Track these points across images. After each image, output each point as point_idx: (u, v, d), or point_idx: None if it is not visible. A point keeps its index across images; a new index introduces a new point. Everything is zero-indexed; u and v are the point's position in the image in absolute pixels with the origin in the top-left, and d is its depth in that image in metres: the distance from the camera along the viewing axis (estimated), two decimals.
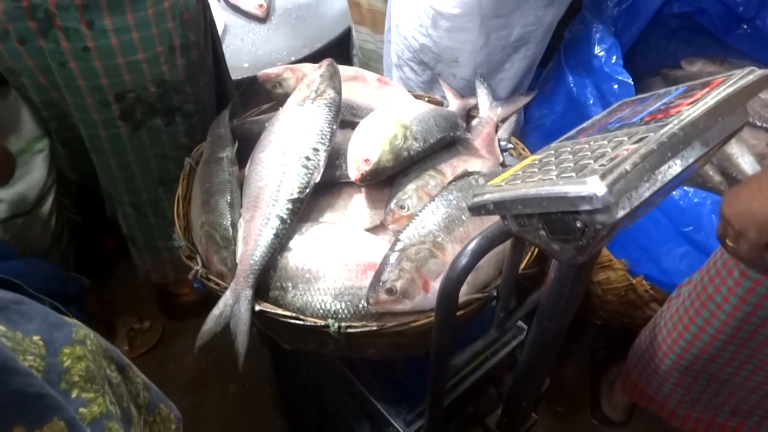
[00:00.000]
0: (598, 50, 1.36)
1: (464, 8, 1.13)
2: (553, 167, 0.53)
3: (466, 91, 1.23)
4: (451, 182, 0.88)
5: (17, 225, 1.19)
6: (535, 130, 1.47)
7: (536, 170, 0.55)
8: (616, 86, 1.29)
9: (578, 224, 0.49)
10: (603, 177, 0.45)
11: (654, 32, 1.71)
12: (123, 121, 1.08)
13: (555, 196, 0.48)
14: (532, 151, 1.16)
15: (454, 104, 1.14)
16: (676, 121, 0.50)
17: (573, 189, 0.46)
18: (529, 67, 1.30)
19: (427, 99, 1.17)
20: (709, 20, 1.70)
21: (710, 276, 0.97)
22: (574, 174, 0.48)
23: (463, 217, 0.83)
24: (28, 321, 0.58)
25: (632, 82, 1.27)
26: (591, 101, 1.34)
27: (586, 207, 0.46)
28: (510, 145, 1.09)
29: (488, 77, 1.23)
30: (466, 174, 0.90)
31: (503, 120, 1.14)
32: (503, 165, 1.05)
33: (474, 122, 1.12)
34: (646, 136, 0.49)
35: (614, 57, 1.33)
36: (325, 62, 0.99)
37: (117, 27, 0.98)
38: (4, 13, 0.94)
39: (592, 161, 0.49)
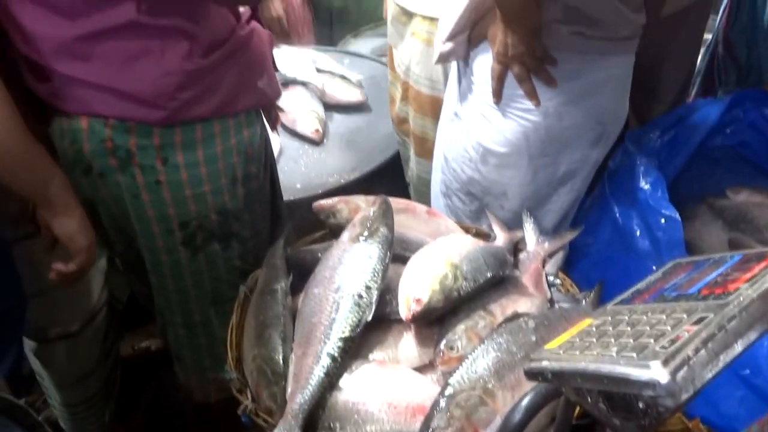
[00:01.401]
0: (642, 183, 1.38)
1: (512, 148, 1.18)
2: (612, 339, 0.54)
3: (514, 222, 1.26)
4: (500, 324, 0.89)
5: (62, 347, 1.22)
6: (580, 259, 1.47)
7: (594, 340, 0.55)
8: (662, 220, 1.30)
9: (641, 405, 0.48)
10: (665, 363, 0.45)
11: (698, 162, 1.74)
12: (184, 247, 1.14)
13: (616, 377, 0.48)
14: (579, 284, 1.17)
15: (501, 238, 1.17)
16: (736, 302, 0.50)
17: (635, 372, 0.46)
18: (575, 199, 1.33)
19: (474, 231, 1.20)
20: (752, 152, 1.73)
21: None
22: (634, 354, 0.48)
23: (514, 361, 0.83)
24: None
25: (679, 217, 1.28)
26: (638, 233, 1.35)
27: (649, 393, 0.46)
28: (557, 281, 1.10)
29: (535, 210, 1.26)
30: (516, 316, 0.90)
31: (550, 255, 1.15)
32: (551, 302, 1.06)
33: (521, 256, 1.14)
34: (706, 317, 0.50)
35: (659, 191, 1.35)
36: (379, 199, 1.04)
37: (188, 162, 1.06)
38: (90, 151, 1.03)
39: (652, 340, 0.50)
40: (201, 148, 1.06)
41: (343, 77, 1.99)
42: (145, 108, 1.00)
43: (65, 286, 1.10)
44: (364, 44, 2.40)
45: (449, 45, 1.20)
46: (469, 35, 1.18)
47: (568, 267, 1.34)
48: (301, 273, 1.03)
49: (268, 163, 1.26)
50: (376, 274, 0.91)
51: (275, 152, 1.70)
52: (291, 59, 2.00)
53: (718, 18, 1.94)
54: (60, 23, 0.95)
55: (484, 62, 1.17)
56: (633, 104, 1.40)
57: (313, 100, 1.90)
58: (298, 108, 1.85)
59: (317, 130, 1.81)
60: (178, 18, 0.98)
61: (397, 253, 1.05)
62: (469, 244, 1.02)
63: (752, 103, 1.67)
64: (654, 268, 1.20)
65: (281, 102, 1.43)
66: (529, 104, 1.15)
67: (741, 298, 0.51)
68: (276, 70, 1.31)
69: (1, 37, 1.00)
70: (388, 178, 1.82)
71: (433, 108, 1.48)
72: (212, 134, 1.07)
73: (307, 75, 1.96)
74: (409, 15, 1.48)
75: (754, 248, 1.49)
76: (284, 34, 2.29)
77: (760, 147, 1.71)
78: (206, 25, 1.01)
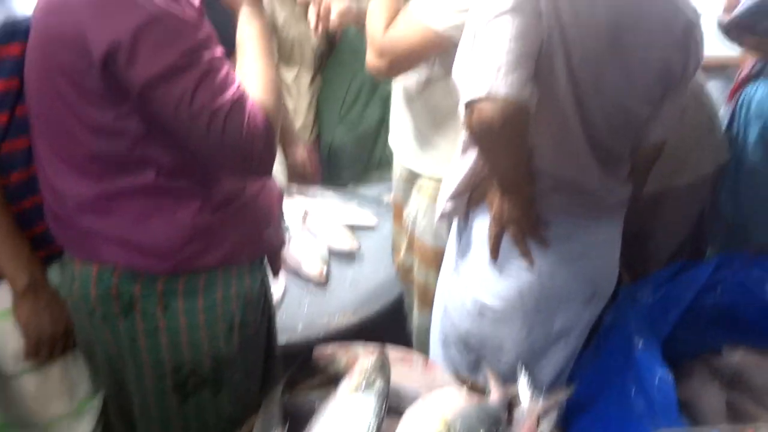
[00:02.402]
0: (636, 341, 1.41)
1: (508, 304, 1.24)
2: None
3: (511, 375, 1.27)
4: None
5: None
6: (577, 416, 1.46)
7: None
8: (656, 381, 1.32)
9: None
10: None
11: (693, 319, 1.77)
12: (175, 392, 1.14)
13: None
14: None
15: (496, 393, 1.18)
16: None
17: None
18: (571, 356, 1.36)
19: (469, 384, 1.22)
20: (745, 312, 1.76)
21: None
22: None
23: None
24: None
25: (672, 379, 1.30)
26: (632, 392, 1.36)
27: None
28: None
29: (531, 365, 1.28)
30: None
31: (545, 412, 1.16)
32: None
33: (516, 413, 1.14)
34: None
35: (653, 350, 1.38)
36: (377, 351, 1.07)
37: (187, 309, 1.10)
38: (96, 296, 1.08)
39: None
40: (202, 295, 1.10)
41: (347, 225, 2.09)
42: (153, 258, 1.05)
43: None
44: (371, 187, 2.53)
45: (451, 204, 1.29)
46: (469, 197, 1.27)
47: (564, 424, 1.34)
48: (298, 422, 1.04)
49: (266, 309, 1.28)
50: (370, 429, 0.92)
51: (278, 296, 1.75)
52: (297, 206, 2.11)
53: None
54: (86, 184, 1.03)
55: (482, 222, 1.25)
56: (625, 260, 1.47)
57: (317, 242, 1.98)
58: (302, 250, 1.93)
59: (321, 273, 1.87)
60: (192, 181, 1.06)
61: (392, 405, 1.07)
62: (463, 400, 1.04)
63: (740, 264, 1.73)
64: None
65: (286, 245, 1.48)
66: (523, 264, 1.22)
67: None
68: (282, 218, 1.39)
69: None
70: (390, 322, 1.84)
71: (437, 260, 1.54)
72: (214, 282, 1.11)
73: (313, 223, 2.06)
74: (415, 175, 1.60)
75: (751, 413, 1.49)
76: (309, 177, 2.43)
77: (752, 307, 1.75)
78: (219, 185, 1.09)
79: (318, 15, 1.56)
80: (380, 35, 1.37)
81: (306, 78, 2.45)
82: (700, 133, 1.74)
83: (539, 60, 1.04)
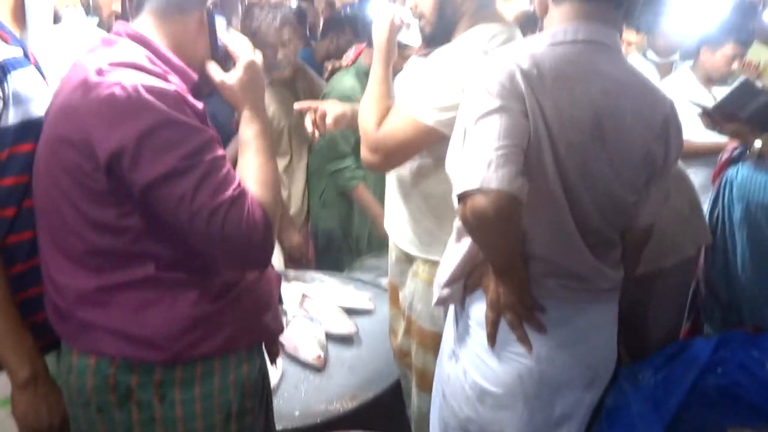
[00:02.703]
0: (639, 426, 1.40)
1: (508, 389, 1.23)
2: None
3: None
4: None
5: None
6: None
7: None
8: None
9: None
10: None
11: (695, 401, 1.75)
12: None
13: None
14: None
15: None
16: None
17: None
18: None
19: None
20: (747, 392, 1.75)
21: None
22: None
23: None
24: None
25: None
26: None
27: None
28: None
29: None
30: None
31: None
32: None
33: None
34: None
35: None
36: None
37: (184, 398, 1.09)
38: (93, 387, 1.07)
39: None
40: (199, 385, 1.09)
41: (343, 308, 2.09)
42: (150, 349, 1.06)
43: None
44: (368, 271, 2.55)
45: (447, 291, 1.31)
46: (465, 282, 1.29)
47: None
48: None
49: (264, 396, 1.27)
50: None
51: (275, 381, 1.73)
52: (294, 291, 2.12)
53: (700, 260, 2.10)
54: (85, 277, 1.05)
55: (479, 308, 1.27)
56: (623, 340, 1.48)
57: (315, 326, 1.98)
58: (300, 334, 1.92)
59: (319, 357, 1.86)
60: (191, 272, 1.08)
61: None
62: None
63: (738, 344, 1.74)
64: None
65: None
66: (522, 349, 1.22)
67: None
68: (281, 303, 1.39)
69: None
70: (389, 407, 1.81)
71: (434, 343, 1.54)
72: (212, 371, 1.11)
73: (310, 307, 2.07)
74: (410, 258, 1.62)
75: None
76: (305, 261, 2.46)
77: (753, 387, 1.74)
78: (217, 275, 1.11)
79: (314, 121, 1.64)
80: (373, 131, 1.43)
81: (297, 165, 2.54)
82: (681, 216, 1.80)
83: (528, 152, 1.09)
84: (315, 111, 1.64)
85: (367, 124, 1.45)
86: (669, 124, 1.19)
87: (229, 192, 1.00)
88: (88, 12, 1.56)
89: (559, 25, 1.18)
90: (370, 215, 2.46)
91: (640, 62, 3.06)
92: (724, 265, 2.04)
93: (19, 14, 1.19)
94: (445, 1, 1.47)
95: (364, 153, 1.46)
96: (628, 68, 1.21)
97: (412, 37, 2.32)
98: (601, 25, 1.17)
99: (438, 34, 1.52)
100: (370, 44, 2.40)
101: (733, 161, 2.03)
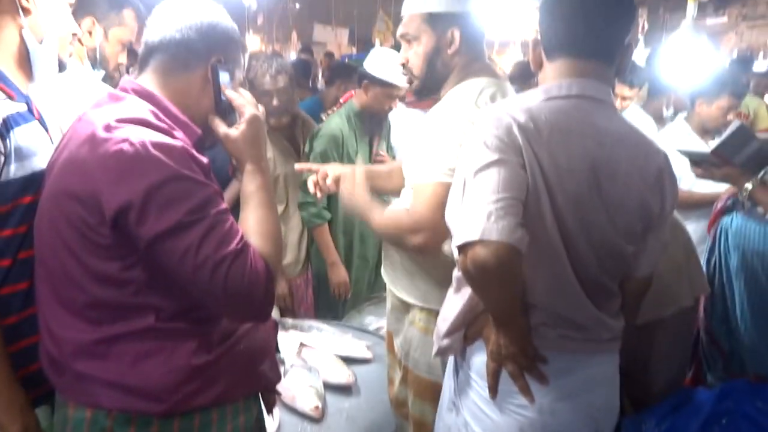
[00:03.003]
0: None
1: None
2: None
3: None
4: None
5: None
6: None
7: None
8: None
9: None
10: None
11: None
12: None
13: None
14: None
15: None
16: None
17: None
18: None
19: None
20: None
21: None
22: None
23: None
24: None
25: None
26: None
27: None
28: None
29: None
30: None
31: None
32: None
33: None
34: None
35: None
36: None
37: None
38: None
39: None
40: None
41: (341, 357, 2.07)
42: (148, 401, 1.05)
43: None
44: (367, 318, 2.53)
45: (447, 341, 1.30)
46: (465, 333, 1.29)
47: None
48: None
49: None
50: None
51: (273, 429, 1.70)
52: (292, 340, 2.11)
53: (700, 309, 2.10)
54: (84, 329, 1.05)
55: (479, 359, 1.26)
56: (626, 390, 1.46)
57: (313, 376, 1.95)
58: (297, 384, 1.90)
59: (317, 407, 1.82)
60: (190, 323, 1.07)
61: None
62: None
63: (742, 394, 1.72)
64: None
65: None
66: (524, 400, 1.21)
67: None
68: (278, 351, 1.38)
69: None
70: None
71: (432, 393, 1.52)
72: (209, 422, 1.09)
73: (308, 356, 2.05)
74: (407, 306, 1.61)
75: None
76: (297, 307, 2.47)
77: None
78: (216, 325, 1.11)
79: (316, 183, 1.69)
80: (405, 218, 1.42)
81: (294, 213, 2.56)
82: (678, 266, 1.81)
83: (527, 204, 1.10)
84: (317, 172, 1.69)
85: (393, 221, 1.45)
86: (663, 175, 1.21)
87: (233, 245, 1.01)
88: (94, 65, 1.59)
89: (553, 80, 1.22)
90: (327, 258, 2.51)
91: (639, 114, 3.13)
92: (724, 314, 2.04)
93: (25, 63, 1.21)
94: (435, 57, 1.51)
95: (410, 242, 1.40)
96: (622, 122, 1.24)
97: (399, 76, 2.42)
98: (594, 80, 1.20)
99: (427, 89, 1.57)
100: (359, 85, 2.48)
101: (727, 210, 2.05)
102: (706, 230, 2.19)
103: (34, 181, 1.14)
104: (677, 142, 2.47)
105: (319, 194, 1.69)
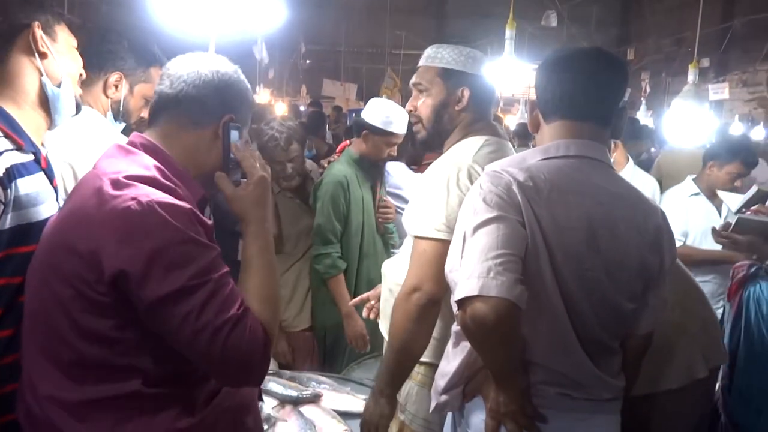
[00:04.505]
0: None
1: None
2: None
3: None
4: None
5: None
6: None
7: None
8: None
9: None
10: None
11: None
12: None
13: None
14: None
15: None
16: None
17: None
18: None
19: None
20: None
21: None
22: None
23: None
24: None
25: None
26: None
27: None
28: None
29: None
30: None
31: None
32: None
33: None
34: None
35: None
36: None
37: None
38: None
39: None
40: None
41: (338, 411, 2.03)
42: None
43: None
44: (365, 372, 2.50)
45: (445, 397, 1.28)
46: (463, 389, 1.27)
47: None
48: None
49: None
50: None
51: None
52: (288, 388, 2.07)
53: (718, 386, 1.97)
54: (66, 386, 1.02)
55: (478, 416, 1.24)
56: None
57: (308, 430, 1.91)
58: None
59: None
60: (176, 387, 1.05)
61: None
62: None
63: None
64: None
65: None
66: None
67: None
68: (261, 400, 1.35)
69: None
70: None
71: None
72: None
73: (305, 410, 2.01)
74: None
75: None
76: (290, 365, 2.44)
77: None
78: (204, 387, 1.09)
79: (370, 308, 1.90)
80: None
81: (300, 269, 2.57)
82: (689, 334, 1.64)
83: (526, 261, 1.11)
84: (367, 299, 1.91)
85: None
86: (661, 232, 1.22)
87: (233, 311, 1.00)
88: (116, 117, 1.61)
89: (550, 141, 1.25)
90: (342, 309, 2.48)
91: (639, 174, 3.15)
92: (745, 390, 1.91)
93: (44, 106, 1.24)
94: (442, 110, 1.56)
95: (417, 301, 1.38)
96: (619, 181, 1.26)
97: (398, 125, 2.48)
98: (590, 141, 1.23)
99: (431, 141, 1.60)
100: (358, 136, 2.55)
101: (749, 279, 1.92)
102: (720, 291, 2.11)
103: (33, 231, 1.14)
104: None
105: (371, 316, 1.88)
